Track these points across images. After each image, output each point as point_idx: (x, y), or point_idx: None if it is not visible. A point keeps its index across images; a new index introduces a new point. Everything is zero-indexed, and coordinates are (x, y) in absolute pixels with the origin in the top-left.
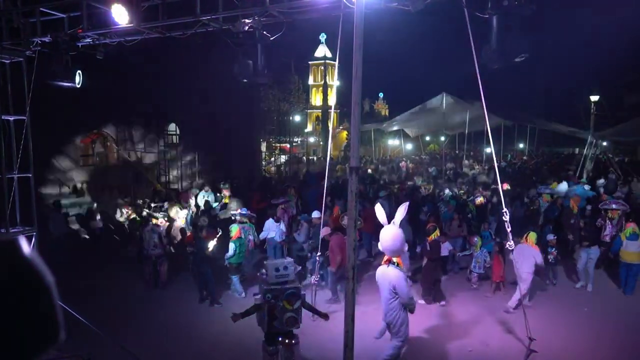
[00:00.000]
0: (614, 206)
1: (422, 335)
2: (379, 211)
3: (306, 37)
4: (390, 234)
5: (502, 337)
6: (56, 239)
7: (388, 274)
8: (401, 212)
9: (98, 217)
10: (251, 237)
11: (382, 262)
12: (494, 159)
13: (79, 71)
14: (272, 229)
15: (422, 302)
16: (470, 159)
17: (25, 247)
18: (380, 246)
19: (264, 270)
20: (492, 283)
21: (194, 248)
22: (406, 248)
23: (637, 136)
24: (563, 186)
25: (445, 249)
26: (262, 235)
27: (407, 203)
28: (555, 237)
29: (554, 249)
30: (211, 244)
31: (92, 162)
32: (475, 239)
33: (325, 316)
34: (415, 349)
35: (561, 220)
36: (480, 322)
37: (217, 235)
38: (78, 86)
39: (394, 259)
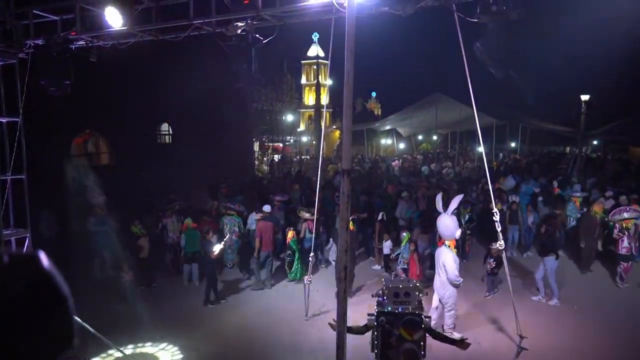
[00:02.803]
0: (625, 215)
1: None
2: (438, 201)
3: (299, 37)
4: (443, 222)
5: (494, 335)
6: (48, 240)
7: (442, 254)
8: (455, 203)
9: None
10: (236, 229)
11: (438, 243)
12: (484, 158)
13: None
14: (253, 222)
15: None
16: (448, 159)
17: (45, 261)
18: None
19: (380, 291)
20: None
21: (201, 250)
22: (458, 234)
23: (628, 135)
24: (510, 182)
25: (387, 247)
26: (248, 227)
27: (461, 195)
28: (500, 245)
29: (493, 259)
30: (217, 247)
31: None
32: (404, 234)
33: (463, 344)
34: None
35: (580, 224)
36: (472, 320)
37: (225, 239)
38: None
39: (447, 242)
